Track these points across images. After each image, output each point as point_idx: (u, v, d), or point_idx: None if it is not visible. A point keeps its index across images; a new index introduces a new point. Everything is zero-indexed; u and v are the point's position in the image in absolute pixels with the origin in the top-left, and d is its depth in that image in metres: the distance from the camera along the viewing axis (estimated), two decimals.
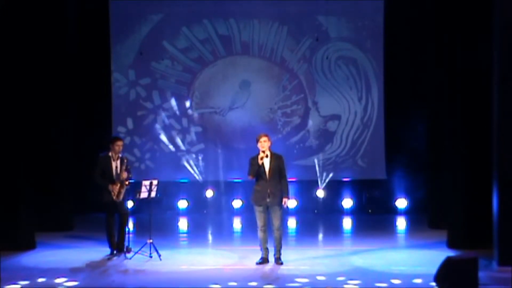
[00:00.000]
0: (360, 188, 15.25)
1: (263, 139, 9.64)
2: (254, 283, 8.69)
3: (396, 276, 8.97)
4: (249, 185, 13.53)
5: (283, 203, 9.74)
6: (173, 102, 15.17)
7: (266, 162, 9.62)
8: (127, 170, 10.43)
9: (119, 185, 10.30)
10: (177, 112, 15.17)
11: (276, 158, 9.70)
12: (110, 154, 10.38)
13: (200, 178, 15.11)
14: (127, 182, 10.38)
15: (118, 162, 10.39)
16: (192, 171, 15.15)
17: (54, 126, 12.83)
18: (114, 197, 10.27)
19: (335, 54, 15.09)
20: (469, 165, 10.66)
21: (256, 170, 9.61)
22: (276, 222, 9.68)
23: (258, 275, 9.14)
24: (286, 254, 9.92)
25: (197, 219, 14.47)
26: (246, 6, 15.04)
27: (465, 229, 10.67)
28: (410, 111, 14.62)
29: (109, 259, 10.24)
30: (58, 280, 8.91)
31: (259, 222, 9.69)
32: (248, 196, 14.16)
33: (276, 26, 15.12)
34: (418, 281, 8.76)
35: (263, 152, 9.60)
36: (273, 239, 9.77)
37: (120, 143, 10.47)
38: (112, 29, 15.02)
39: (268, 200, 9.61)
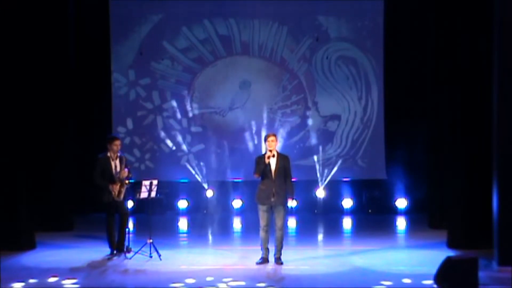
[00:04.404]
0: (360, 188, 15.25)
1: (271, 138, 9.67)
2: (260, 284, 8.71)
3: (396, 276, 8.97)
4: (249, 185, 13.61)
5: (287, 203, 9.76)
6: (173, 102, 15.17)
7: (273, 162, 9.63)
8: (127, 168, 10.43)
9: (119, 184, 10.30)
10: (177, 112, 15.17)
11: (282, 158, 9.72)
12: (108, 154, 10.37)
13: (201, 178, 15.11)
14: (127, 181, 10.38)
15: (117, 161, 10.39)
16: (192, 171, 15.15)
17: (54, 126, 12.83)
18: (115, 197, 10.27)
19: (335, 54, 15.10)
20: (469, 165, 10.66)
21: (262, 169, 9.61)
22: (279, 222, 9.68)
23: (263, 275, 9.13)
24: (286, 254, 9.92)
25: (197, 219, 14.46)
26: (246, 6, 15.04)
27: (465, 229, 10.67)
28: (410, 111, 14.64)
29: (109, 259, 10.23)
30: (58, 280, 8.91)
31: (262, 222, 9.69)
32: (248, 196, 14.25)
33: (276, 26, 15.12)
34: (406, 281, 8.76)
35: (270, 151, 9.60)
36: (274, 239, 9.78)
37: (117, 142, 10.46)
38: (112, 29, 15.02)
39: (272, 199, 9.61)
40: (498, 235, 9.32)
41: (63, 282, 8.82)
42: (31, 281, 8.87)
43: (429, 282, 8.43)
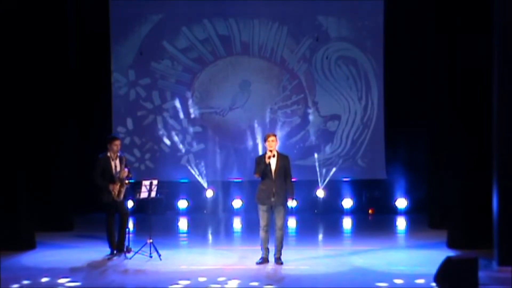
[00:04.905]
0: (360, 188, 15.25)
1: (271, 138, 9.67)
2: (256, 283, 8.71)
3: (396, 276, 8.97)
4: (249, 185, 13.62)
5: (287, 203, 9.77)
6: (173, 102, 15.17)
7: (273, 162, 9.64)
8: (127, 168, 10.43)
9: (119, 184, 10.30)
10: (177, 112, 15.17)
11: (282, 158, 9.72)
12: (108, 154, 10.37)
13: (201, 178, 15.11)
14: (127, 181, 10.38)
15: (117, 161, 10.39)
16: (192, 171, 15.15)
17: (54, 126, 12.83)
18: (115, 197, 10.26)
19: (335, 54, 15.10)
20: (469, 165, 10.65)
21: (262, 169, 9.61)
22: (279, 222, 9.69)
23: (263, 275, 9.13)
24: (286, 254, 9.92)
25: (197, 219, 14.46)
26: (246, 6, 15.05)
27: (465, 229, 10.67)
28: (410, 111, 14.65)
29: (109, 259, 10.23)
30: (58, 280, 8.91)
31: (262, 222, 9.69)
32: (248, 196, 14.25)
33: (276, 26, 15.13)
34: (405, 281, 8.77)
35: (271, 151, 9.61)
36: (274, 239, 9.78)
37: (117, 142, 10.46)
38: (112, 29, 15.02)
39: (272, 199, 9.61)
40: (498, 235, 9.32)
41: (64, 282, 8.82)
42: (31, 281, 8.87)
43: (430, 282, 8.44)
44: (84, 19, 14.53)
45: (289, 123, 15.18)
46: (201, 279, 8.87)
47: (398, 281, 8.74)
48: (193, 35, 15.16)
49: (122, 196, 10.37)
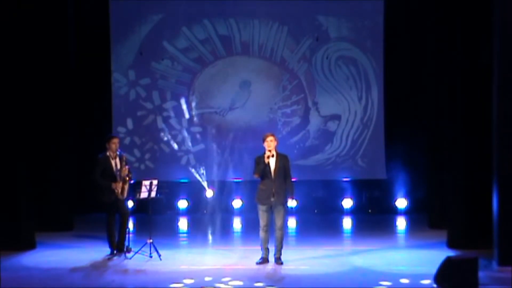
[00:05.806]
0: (360, 188, 15.24)
1: (270, 138, 9.68)
2: (260, 284, 8.71)
3: (396, 276, 8.97)
4: (249, 185, 13.59)
5: (287, 203, 9.77)
6: (173, 102, 15.17)
7: (272, 162, 9.65)
8: (127, 166, 10.44)
9: (122, 182, 10.31)
10: (177, 112, 15.16)
11: (282, 158, 9.73)
12: (108, 153, 10.39)
13: (201, 178, 15.11)
14: (127, 178, 10.38)
15: (117, 160, 10.41)
16: (192, 171, 15.14)
17: (54, 126, 12.83)
18: (118, 195, 10.26)
19: (335, 54, 15.09)
20: (469, 165, 10.66)
21: (262, 169, 9.61)
22: (278, 222, 9.69)
23: (263, 275, 9.14)
24: (286, 254, 9.92)
25: (197, 219, 14.46)
26: (246, 6, 15.04)
27: (465, 229, 10.67)
28: (410, 111, 14.65)
29: (109, 259, 10.24)
30: (58, 280, 8.91)
31: (262, 222, 9.70)
32: (248, 196, 14.24)
33: (276, 26, 15.12)
34: (406, 281, 8.77)
35: (269, 151, 9.61)
36: (274, 239, 9.78)
37: (116, 140, 10.48)
38: (112, 29, 15.02)
39: (272, 199, 9.62)
40: (498, 235, 9.33)
41: (64, 282, 8.81)
42: (31, 281, 8.85)
43: (428, 282, 8.44)
44: (84, 19, 14.53)
45: (289, 123, 15.18)
46: (201, 279, 8.87)
47: (398, 281, 8.75)
48: (193, 35, 15.15)
49: (125, 193, 10.38)
